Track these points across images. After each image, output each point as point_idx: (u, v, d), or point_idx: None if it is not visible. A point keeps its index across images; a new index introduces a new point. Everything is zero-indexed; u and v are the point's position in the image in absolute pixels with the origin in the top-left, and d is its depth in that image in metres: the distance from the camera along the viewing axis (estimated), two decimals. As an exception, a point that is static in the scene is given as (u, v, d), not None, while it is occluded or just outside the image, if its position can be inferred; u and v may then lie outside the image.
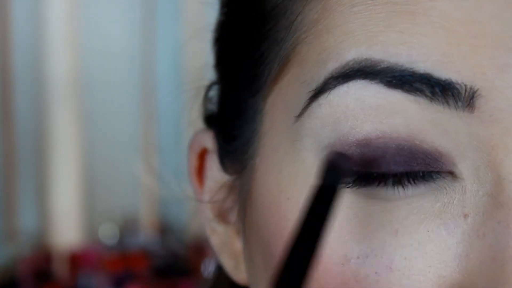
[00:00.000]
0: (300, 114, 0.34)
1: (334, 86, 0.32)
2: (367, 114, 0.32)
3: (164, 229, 2.20)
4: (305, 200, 0.34)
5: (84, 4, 2.09)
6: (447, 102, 0.31)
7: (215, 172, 0.42)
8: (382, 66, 0.31)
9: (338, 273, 0.32)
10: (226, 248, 0.43)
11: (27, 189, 2.05)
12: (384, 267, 0.31)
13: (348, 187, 0.33)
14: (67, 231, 2.09)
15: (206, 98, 0.46)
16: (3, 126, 1.98)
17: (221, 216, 0.43)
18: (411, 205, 0.32)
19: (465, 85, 0.30)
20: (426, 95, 0.31)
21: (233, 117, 0.40)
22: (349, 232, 0.32)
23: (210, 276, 0.50)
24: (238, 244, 0.42)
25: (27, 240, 2.03)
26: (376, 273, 0.31)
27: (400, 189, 0.32)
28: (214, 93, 0.45)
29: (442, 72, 0.30)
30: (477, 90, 0.30)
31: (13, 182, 2.01)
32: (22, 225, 2.03)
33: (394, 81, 0.31)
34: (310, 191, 0.31)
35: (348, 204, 0.33)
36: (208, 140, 0.43)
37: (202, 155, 0.44)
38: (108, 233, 2.12)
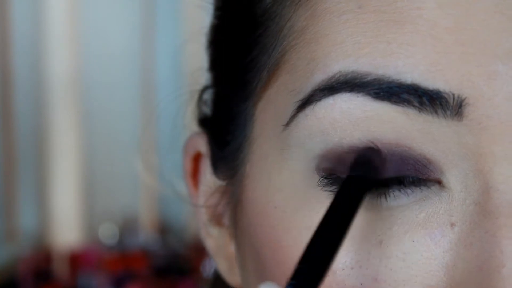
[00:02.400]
0: (288, 123, 0.34)
1: (320, 98, 0.32)
2: (355, 125, 0.31)
3: (164, 229, 2.20)
4: (292, 209, 0.34)
5: (84, 5, 2.09)
6: (436, 112, 0.30)
7: (208, 177, 0.42)
8: (369, 78, 0.31)
9: (323, 285, 0.31)
10: (221, 251, 0.43)
11: (27, 189, 2.05)
12: (369, 279, 0.31)
13: (333, 194, 0.32)
14: (67, 231, 2.09)
15: (200, 101, 0.45)
16: (3, 126, 1.98)
17: (216, 219, 0.43)
18: (394, 215, 0.32)
19: (453, 94, 0.30)
20: (414, 106, 0.30)
21: (226, 122, 0.40)
22: None
23: (210, 277, 0.50)
24: (231, 248, 0.42)
25: (27, 240, 2.03)
26: (361, 284, 0.31)
27: (383, 200, 0.32)
28: (209, 96, 0.45)
29: (429, 82, 0.30)
30: (465, 98, 0.30)
31: (13, 182, 2.01)
32: (22, 225, 2.03)
33: (381, 93, 0.31)
34: (343, 183, 0.31)
35: None
36: (202, 144, 0.43)
37: (197, 159, 0.43)
38: (108, 233, 2.11)
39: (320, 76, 0.32)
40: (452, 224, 0.31)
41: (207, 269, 0.49)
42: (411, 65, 0.30)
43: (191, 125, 0.47)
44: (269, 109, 0.36)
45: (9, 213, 2.01)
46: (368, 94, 0.31)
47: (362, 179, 0.31)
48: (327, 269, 0.28)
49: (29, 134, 2.04)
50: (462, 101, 0.30)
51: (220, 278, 0.45)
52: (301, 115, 0.33)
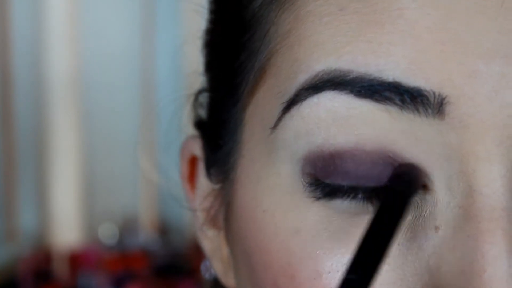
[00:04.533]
0: (275, 126, 0.34)
1: (305, 98, 0.32)
2: (339, 125, 0.32)
3: (164, 229, 2.20)
4: (280, 213, 0.34)
5: (84, 5, 2.09)
6: (417, 110, 0.30)
7: (202, 180, 0.42)
8: (351, 76, 0.31)
9: (310, 287, 0.32)
10: (217, 254, 0.43)
11: (27, 189, 2.05)
12: None
13: (317, 200, 0.33)
14: (67, 231, 2.09)
15: (196, 104, 0.46)
16: (3, 126, 1.98)
17: (212, 221, 0.43)
18: None
19: (434, 92, 0.30)
20: (396, 103, 0.31)
21: (218, 126, 0.40)
22: (321, 247, 0.32)
23: (210, 278, 0.50)
24: (226, 250, 0.42)
25: (27, 240, 2.03)
26: None
27: (369, 204, 0.32)
28: (204, 99, 0.45)
29: (410, 79, 0.30)
30: (445, 97, 0.30)
31: (13, 182, 2.01)
32: (22, 225, 2.03)
33: (363, 91, 0.31)
34: (382, 200, 0.31)
35: (318, 218, 0.33)
36: (197, 148, 0.43)
37: (193, 161, 0.44)
38: (108, 233, 2.12)
39: (303, 76, 0.33)
40: (437, 228, 0.31)
41: (206, 270, 0.49)
42: (392, 63, 0.31)
43: (190, 127, 0.47)
44: (257, 113, 0.36)
45: (9, 213, 2.01)
46: (351, 92, 0.31)
47: (405, 194, 0.31)
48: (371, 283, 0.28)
49: (29, 134, 2.04)
50: (443, 99, 0.30)
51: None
52: (287, 116, 0.33)
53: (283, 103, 0.33)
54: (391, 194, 0.31)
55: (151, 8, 2.18)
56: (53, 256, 2.01)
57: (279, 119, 0.34)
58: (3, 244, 2.00)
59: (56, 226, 2.08)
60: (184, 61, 1.97)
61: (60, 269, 1.99)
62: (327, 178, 0.32)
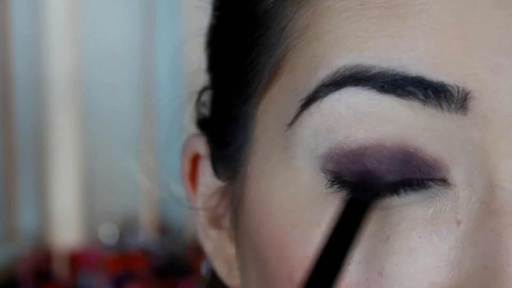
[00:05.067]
0: (292, 123, 0.33)
1: (326, 94, 0.32)
2: (360, 122, 0.31)
3: (164, 229, 2.20)
4: (299, 206, 0.34)
5: (84, 5, 2.09)
6: (440, 105, 0.30)
7: (207, 178, 0.42)
8: (374, 71, 0.31)
9: None
10: (220, 254, 0.43)
11: (27, 189, 2.05)
12: (375, 274, 0.31)
13: (338, 193, 0.32)
14: (67, 231, 2.09)
15: (199, 103, 0.45)
16: (3, 126, 1.98)
17: (214, 221, 0.42)
18: (403, 212, 0.32)
19: (458, 87, 0.30)
20: (419, 99, 0.30)
21: (225, 123, 0.39)
22: None
23: (206, 277, 0.49)
24: (231, 250, 0.42)
25: (27, 240, 2.03)
26: (367, 279, 0.31)
27: (395, 198, 0.32)
28: (207, 97, 0.45)
29: (434, 74, 0.30)
30: (469, 91, 0.30)
31: (13, 182, 2.01)
32: (22, 225, 2.03)
33: (386, 86, 0.31)
34: (341, 205, 0.31)
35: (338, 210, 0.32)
36: (201, 145, 0.42)
37: (195, 160, 0.43)
38: (108, 233, 2.12)
39: (324, 72, 0.32)
40: (458, 222, 0.31)
41: (203, 270, 0.49)
42: (415, 58, 0.30)
43: (190, 126, 0.47)
44: (271, 109, 0.35)
45: (9, 213, 2.01)
46: (373, 87, 0.31)
47: (365, 203, 0.31)
48: None
49: (29, 134, 2.04)
50: (467, 94, 0.30)
51: (217, 279, 0.45)
52: (306, 113, 0.33)
53: (301, 99, 0.33)
54: (349, 202, 0.31)
55: (151, 8, 2.18)
56: (53, 256, 2.01)
57: (296, 116, 0.33)
58: (3, 244, 2.00)
59: (56, 226, 2.08)
60: (184, 61, 1.97)
61: (60, 269, 1.99)
62: (349, 176, 0.32)
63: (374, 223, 0.32)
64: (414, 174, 0.31)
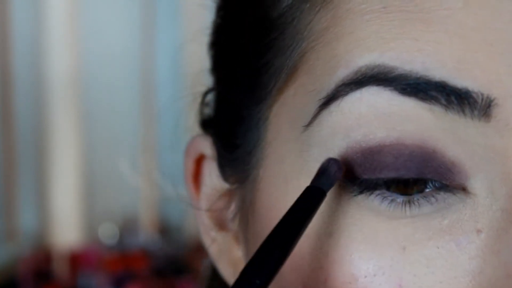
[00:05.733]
0: (309, 124, 0.33)
1: (347, 93, 0.32)
2: (381, 121, 0.31)
3: (164, 229, 2.20)
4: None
5: (84, 5, 2.09)
6: (463, 111, 0.30)
7: (214, 180, 0.41)
8: (396, 73, 0.30)
9: None
10: (224, 256, 0.42)
11: (27, 189, 2.05)
12: (393, 285, 0.31)
13: (353, 198, 0.32)
14: (67, 231, 2.09)
15: (203, 104, 0.45)
16: (3, 126, 1.98)
17: (220, 223, 0.42)
18: (416, 223, 0.31)
19: (482, 94, 0.30)
20: (441, 104, 0.30)
21: (234, 124, 0.39)
22: (356, 250, 0.31)
23: (205, 276, 0.49)
24: (237, 252, 0.41)
25: (27, 240, 2.03)
26: None
27: (406, 208, 0.31)
28: (211, 97, 0.44)
29: (457, 80, 0.30)
30: (494, 99, 0.30)
31: (13, 182, 2.01)
32: (22, 225, 2.03)
33: (408, 89, 0.30)
34: (302, 193, 0.31)
35: (352, 221, 0.32)
36: (206, 146, 0.42)
37: (199, 161, 0.43)
38: (108, 233, 2.12)
39: (343, 72, 0.32)
40: (478, 231, 0.31)
41: (203, 270, 0.48)
42: (439, 62, 0.30)
43: (194, 125, 0.46)
44: (286, 111, 0.35)
45: (9, 213, 2.01)
46: (395, 89, 0.31)
47: (319, 189, 0.31)
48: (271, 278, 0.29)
49: (29, 134, 2.04)
50: (491, 101, 0.30)
51: (216, 279, 0.45)
52: (325, 112, 0.32)
53: (320, 99, 0.32)
54: (305, 191, 0.31)
55: (151, 8, 2.18)
56: (53, 256, 2.01)
57: (315, 116, 0.33)
58: (3, 244, 2.00)
59: (56, 226, 2.08)
60: (184, 61, 1.97)
61: (60, 269, 1.99)
62: (365, 174, 0.32)
63: (388, 234, 0.31)
64: (431, 175, 0.31)
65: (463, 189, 0.31)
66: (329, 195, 0.32)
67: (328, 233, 0.32)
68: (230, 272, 0.42)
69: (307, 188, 0.32)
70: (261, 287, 0.29)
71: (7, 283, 1.91)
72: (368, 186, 0.32)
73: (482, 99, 0.30)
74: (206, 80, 0.44)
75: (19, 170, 2.02)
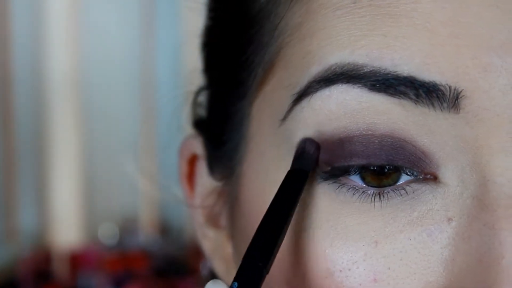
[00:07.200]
0: (284, 118, 0.34)
1: (317, 90, 0.32)
2: (350, 116, 0.32)
3: (164, 229, 2.20)
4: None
5: (84, 5, 2.09)
6: (432, 104, 0.31)
7: (204, 178, 0.42)
8: (366, 70, 0.31)
9: (322, 286, 0.32)
10: (218, 253, 0.43)
11: (27, 189, 2.05)
12: (367, 279, 0.31)
13: (327, 187, 0.33)
14: (67, 231, 2.09)
15: (196, 104, 0.45)
16: (3, 126, 1.98)
17: (212, 220, 0.42)
18: (385, 216, 0.32)
19: (450, 86, 0.30)
20: (410, 98, 0.31)
21: (221, 122, 0.40)
22: (330, 246, 0.32)
23: (205, 276, 0.49)
24: (229, 249, 0.42)
25: (27, 240, 2.03)
26: (360, 284, 0.31)
27: (376, 201, 0.32)
28: (203, 98, 0.45)
29: (425, 74, 0.30)
30: (461, 91, 0.30)
31: (13, 182, 2.01)
32: (22, 225, 2.03)
33: (377, 85, 0.31)
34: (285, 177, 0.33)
35: (325, 215, 0.32)
36: (198, 146, 0.43)
37: (192, 161, 0.43)
38: (108, 233, 2.12)
39: (316, 68, 0.33)
40: (449, 219, 0.31)
41: (203, 270, 0.49)
42: (407, 58, 0.31)
43: (189, 127, 0.47)
44: (266, 106, 0.36)
45: (9, 213, 2.01)
46: (365, 85, 0.31)
47: (301, 171, 0.32)
48: (268, 268, 0.30)
49: (29, 134, 2.04)
50: (458, 93, 0.30)
51: (216, 278, 0.45)
52: (297, 108, 0.33)
53: (293, 94, 0.33)
54: (287, 175, 0.32)
55: (151, 8, 2.18)
56: (53, 256, 2.01)
57: (289, 111, 0.33)
58: (3, 244, 2.00)
59: (56, 226, 2.08)
60: (184, 60, 1.97)
61: (60, 269, 1.99)
62: (336, 162, 0.32)
63: (359, 228, 0.32)
64: (402, 162, 0.31)
65: (435, 178, 0.32)
66: (307, 185, 0.33)
67: (303, 228, 0.33)
68: (223, 269, 0.43)
69: (289, 172, 0.33)
70: (264, 268, 0.30)
71: (7, 283, 1.91)
72: (340, 172, 0.32)
73: (450, 92, 0.30)
74: (200, 80, 0.45)
75: (19, 170, 2.02)
